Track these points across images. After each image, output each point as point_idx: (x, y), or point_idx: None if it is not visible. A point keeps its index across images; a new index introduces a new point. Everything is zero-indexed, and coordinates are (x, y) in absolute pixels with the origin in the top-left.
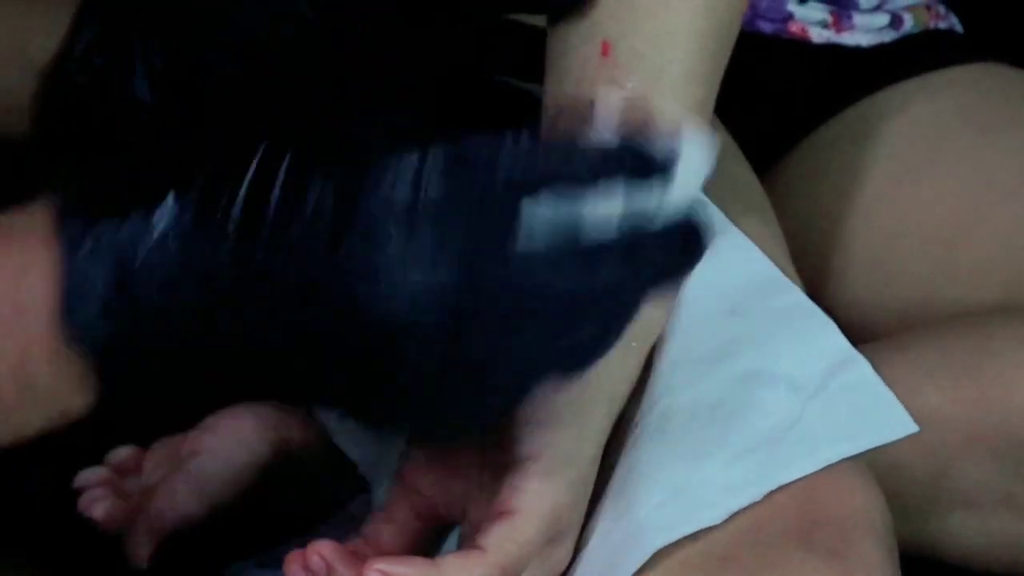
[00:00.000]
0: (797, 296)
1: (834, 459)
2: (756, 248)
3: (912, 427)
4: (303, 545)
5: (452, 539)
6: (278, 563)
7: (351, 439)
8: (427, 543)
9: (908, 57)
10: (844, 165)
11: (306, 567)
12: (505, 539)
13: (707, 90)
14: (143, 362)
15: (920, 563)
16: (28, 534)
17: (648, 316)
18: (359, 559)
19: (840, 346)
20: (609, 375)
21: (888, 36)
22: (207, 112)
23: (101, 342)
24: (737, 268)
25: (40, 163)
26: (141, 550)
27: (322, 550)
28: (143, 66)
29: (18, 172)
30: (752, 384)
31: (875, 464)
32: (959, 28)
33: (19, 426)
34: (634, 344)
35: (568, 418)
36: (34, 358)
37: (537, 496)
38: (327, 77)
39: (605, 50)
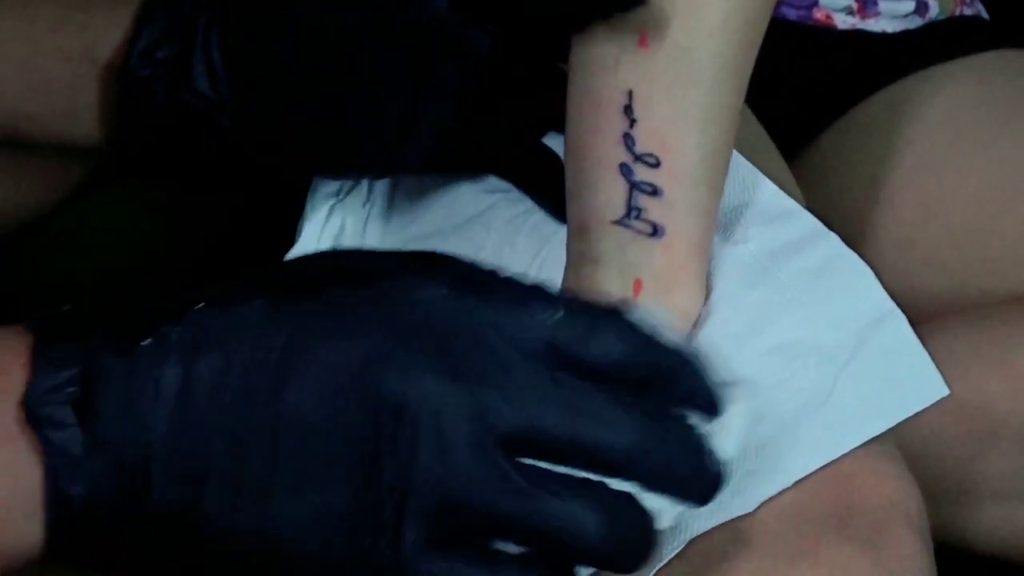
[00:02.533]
0: (833, 245)
1: (864, 439)
2: (788, 198)
3: (943, 390)
4: None
5: None
6: None
7: None
8: None
9: (934, 44)
10: (870, 153)
11: None
12: None
13: (741, 80)
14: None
15: (948, 552)
16: None
17: (680, 309)
18: None
19: (877, 299)
20: None
21: (914, 23)
22: (268, 107)
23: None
24: (769, 227)
25: (110, 163)
26: None
27: None
28: (203, 58)
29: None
30: (783, 359)
31: (907, 452)
32: (985, 14)
33: None
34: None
35: None
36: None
37: None
38: (387, 81)
39: (643, 41)
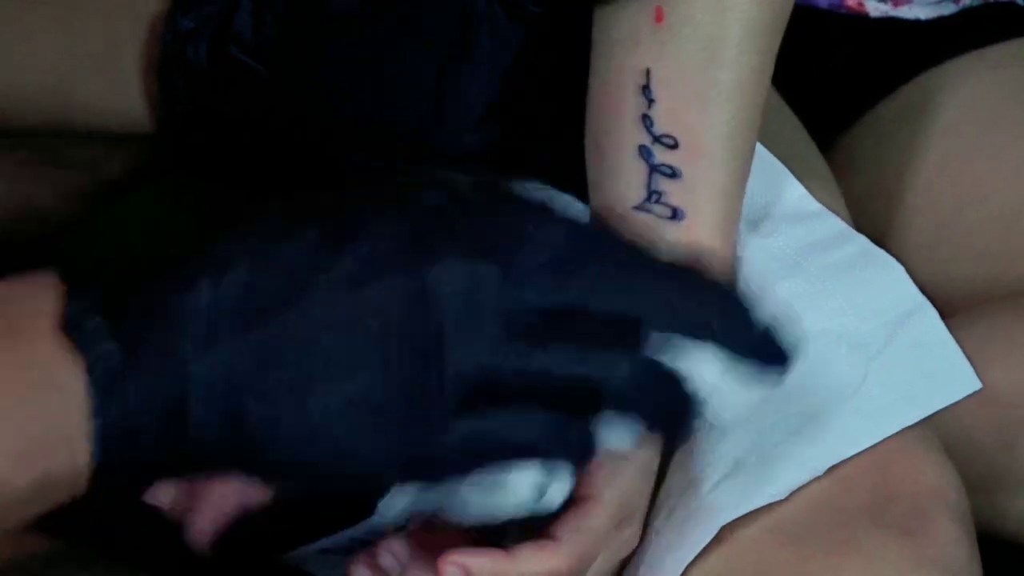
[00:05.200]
0: (862, 243)
1: (896, 428)
2: (816, 201)
3: (976, 383)
4: (364, 531)
5: None
6: (340, 549)
7: None
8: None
9: (967, 30)
10: (904, 141)
11: (375, 566)
12: (578, 528)
13: (763, 59)
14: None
15: (985, 541)
16: (91, 520)
17: None
18: (428, 552)
19: (907, 293)
20: None
21: (947, 9)
22: (315, 57)
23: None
24: (797, 224)
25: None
26: (203, 536)
27: (394, 546)
28: (250, 8)
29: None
30: (812, 349)
31: (944, 441)
32: (1020, 0)
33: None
34: None
35: None
36: (56, 471)
37: (607, 482)
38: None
39: (659, 16)
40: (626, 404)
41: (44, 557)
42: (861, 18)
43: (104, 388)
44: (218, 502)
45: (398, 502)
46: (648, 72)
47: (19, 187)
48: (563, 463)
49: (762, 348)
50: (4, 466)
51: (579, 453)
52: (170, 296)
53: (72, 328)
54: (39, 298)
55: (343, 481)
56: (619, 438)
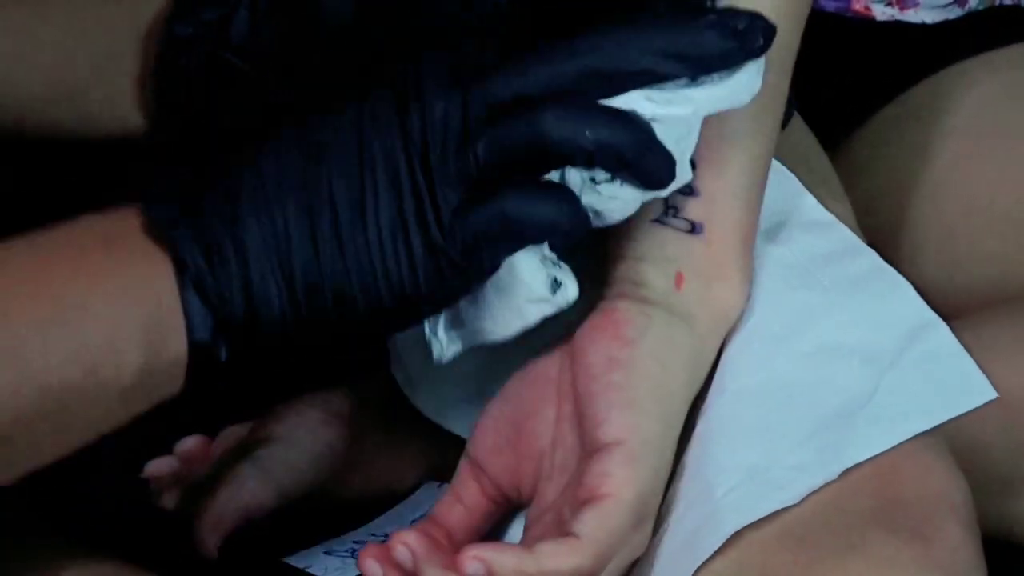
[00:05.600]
0: (873, 260)
1: (908, 435)
2: (829, 213)
3: (991, 393)
4: (369, 533)
5: (516, 524)
6: (345, 551)
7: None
8: (495, 524)
9: (973, 34)
10: (911, 144)
11: (388, 559)
12: (598, 526)
13: (780, 77)
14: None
15: (994, 545)
16: (97, 523)
17: (725, 302)
18: (441, 547)
19: (917, 309)
20: (689, 360)
21: (953, 13)
22: (308, 60)
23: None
24: (811, 236)
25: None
26: (209, 539)
27: (407, 538)
28: (244, 12)
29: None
30: (825, 359)
31: (952, 444)
32: None
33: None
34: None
35: (650, 403)
36: (159, 361)
37: (626, 482)
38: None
39: None
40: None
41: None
42: (868, 22)
43: (192, 277)
44: (223, 505)
45: (445, 338)
46: None
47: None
48: (562, 243)
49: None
50: (111, 352)
51: (574, 219)
52: (224, 182)
53: (155, 227)
54: (126, 212)
55: (386, 321)
56: (605, 198)
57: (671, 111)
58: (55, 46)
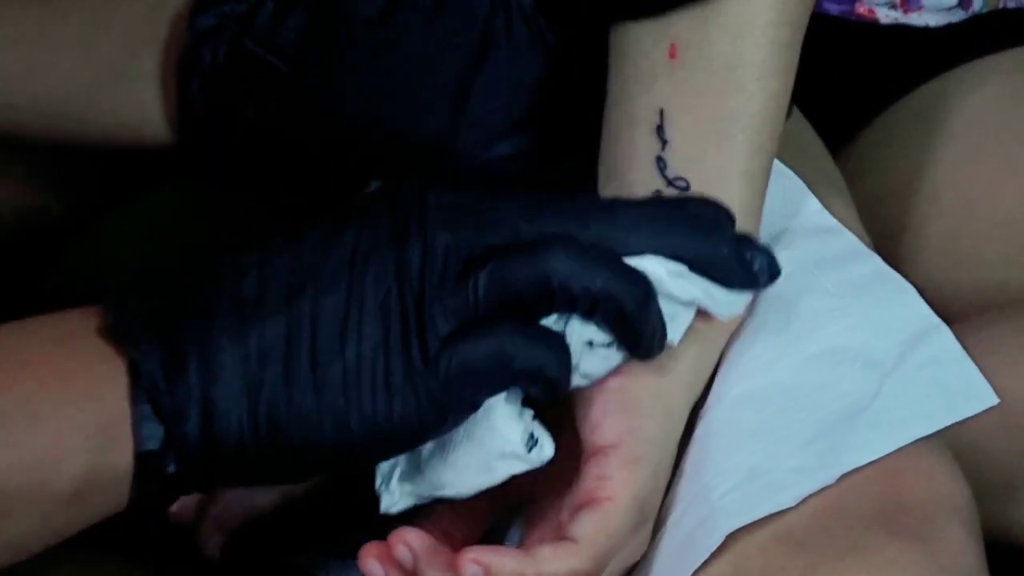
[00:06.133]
0: (876, 264)
1: (909, 440)
2: (833, 218)
3: (993, 399)
4: (372, 535)
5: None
6: (348, 553)
7: None
8: (494, 526)
9: (977, 37)
10: (914, 147)
11: (389, 558)
12: (597, 530)
13: (783, 81)
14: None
15: (995, 548)
16: (100, 525)
17: None
18: (441, 548)
19: (921, 314)
20: (690, 364)
21: (957, 16)
22: (335, 61)
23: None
24: (815, 241)
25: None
26: (213, 541)
27: (408, 537)
28: (271, 5)
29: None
30: (827, 363)
31: (953, 447)
32: None
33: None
34: (713, 334)
35: (651, 406)
36: (103, 469)
37: (625, 484)
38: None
39: (673, 52)
40: (599, 310)
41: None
42: (872, 25)
43: (146, 386)
44: (227, 507)
45: (398, 491)
46: (662, 112)
47: (28, 198)
48: (543, 394)
49: (736, 269)
50: (55, 458)
51: (558, 369)
52: (200, 295)
53: (114, 331)
54: (85, 313)
55: (351, 453)
56: (597, 360)
57: (680, 286)
58: (74, 46)
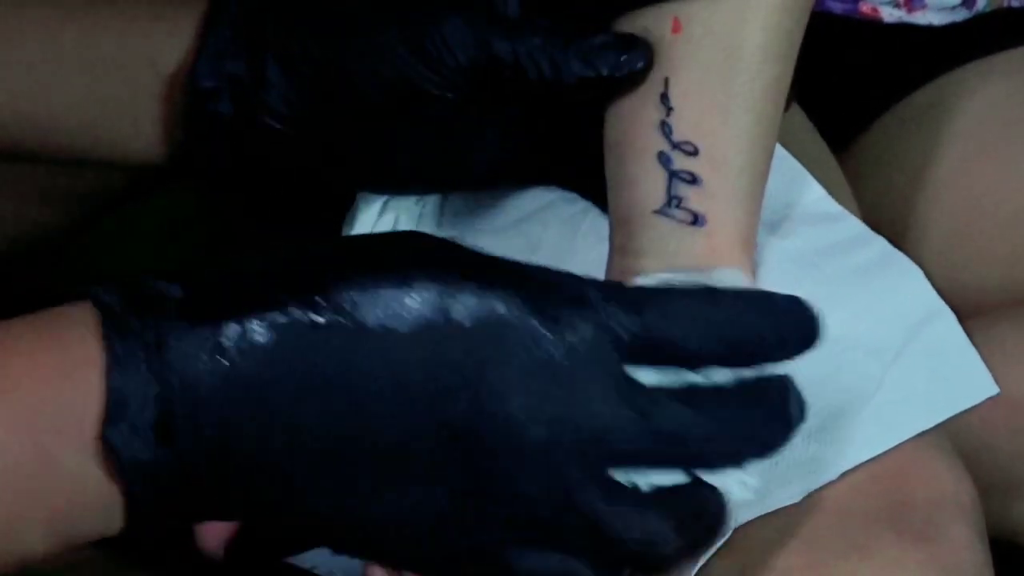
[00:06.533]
0: (882, 246)
1: (910, 434)
2: (836, 204)
3: (993, 388)
4: None
5: None
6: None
7: None
8: None
9: (981, 36)
10: (917, 146)
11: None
12: None
13: (783, 67)
14: (186, 494)
15: (1000, 547)
16: None
17: None
18: None
19: (925, 297)
20: None
21: (960, 15)
22: (337, 127)
23: (142, 467)
24: (816, 228)
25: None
26: (215, 538)
27: None
28: (276, 71)
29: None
30: (829, 352)
31: (958, 446)
32: None
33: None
34: None
35: None
36: (69, 471)
37: None
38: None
39: (677, 27)
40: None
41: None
42: (875, 24)
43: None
44: None
45: None
46: (667, 81)
47: (27, 208)
48: None
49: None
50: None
51: None
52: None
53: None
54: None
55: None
56: None
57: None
58: (77, 83)
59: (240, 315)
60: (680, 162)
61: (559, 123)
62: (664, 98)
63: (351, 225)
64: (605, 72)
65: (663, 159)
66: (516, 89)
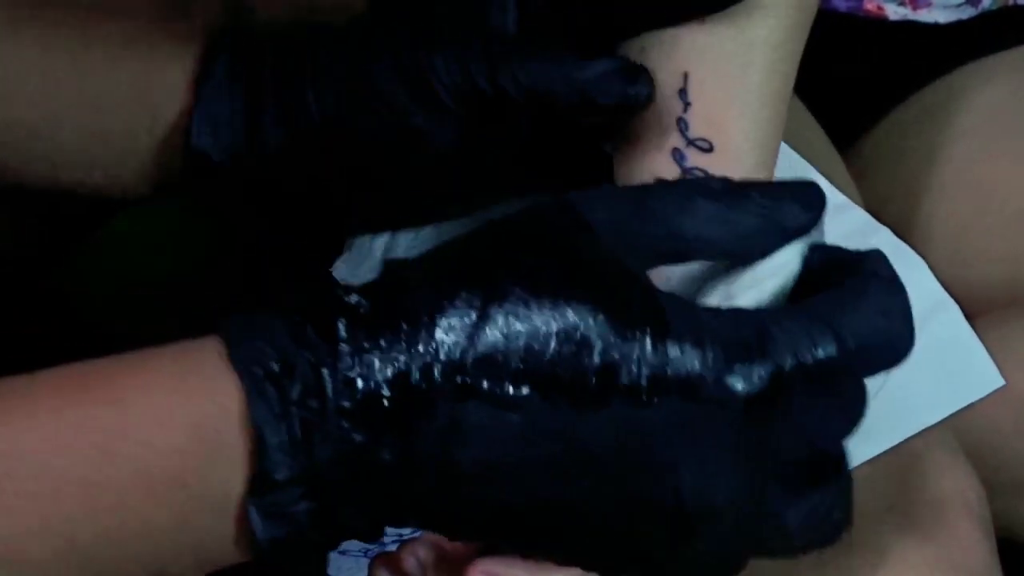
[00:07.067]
0: (886, 237)
1: (918, 429)
2: (842, 195)
3: (999, 380)
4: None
5: None
6: (358, 551)
7: None
8: None
9: (986, 34)
10: (923, 144)
11: (398, 569)
12: None
13: (793, 65)
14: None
15: (1005, 546)
16: None
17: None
18: (450, 559)
19: (930, 289)
20: None
21: (966, 13)
22: (341, 182)
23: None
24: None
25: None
26: None
27: (419, 551)
28: (276, 111)
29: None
30: None
31: (964, 444)
32: None
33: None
34: None
35: None
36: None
37: None
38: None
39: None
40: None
41: None
42: (880, 22)
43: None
44: None
45: None
46: (686, 76)
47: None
48: None
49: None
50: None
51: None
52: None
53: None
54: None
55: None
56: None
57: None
58: (75, 122)
59: None
60: (694, 159)
61: (560, 139)
62: (682, 93)
63: (352, 236)
64: (606, 103)
65: (677, 156)
66: (513, 120)
